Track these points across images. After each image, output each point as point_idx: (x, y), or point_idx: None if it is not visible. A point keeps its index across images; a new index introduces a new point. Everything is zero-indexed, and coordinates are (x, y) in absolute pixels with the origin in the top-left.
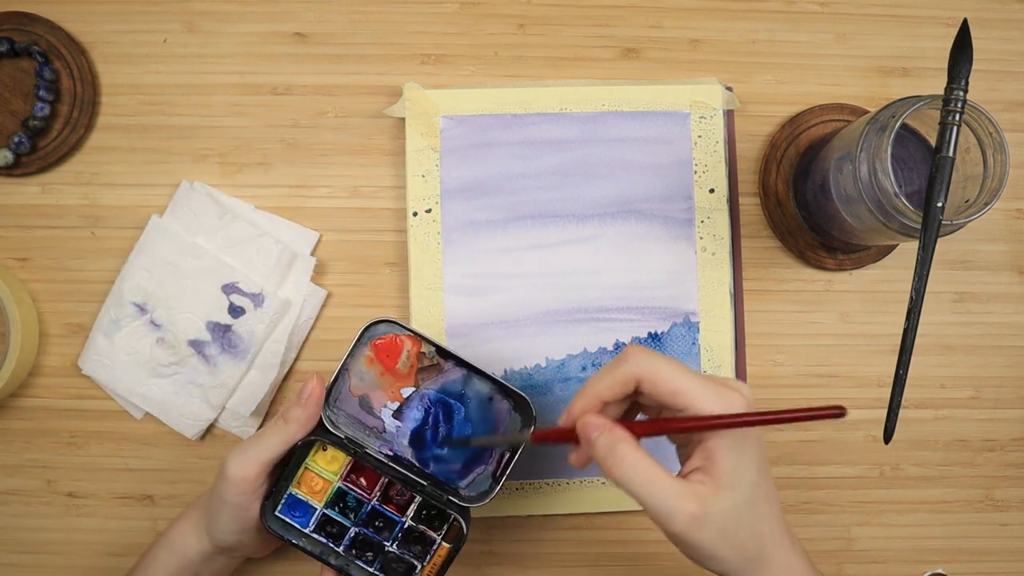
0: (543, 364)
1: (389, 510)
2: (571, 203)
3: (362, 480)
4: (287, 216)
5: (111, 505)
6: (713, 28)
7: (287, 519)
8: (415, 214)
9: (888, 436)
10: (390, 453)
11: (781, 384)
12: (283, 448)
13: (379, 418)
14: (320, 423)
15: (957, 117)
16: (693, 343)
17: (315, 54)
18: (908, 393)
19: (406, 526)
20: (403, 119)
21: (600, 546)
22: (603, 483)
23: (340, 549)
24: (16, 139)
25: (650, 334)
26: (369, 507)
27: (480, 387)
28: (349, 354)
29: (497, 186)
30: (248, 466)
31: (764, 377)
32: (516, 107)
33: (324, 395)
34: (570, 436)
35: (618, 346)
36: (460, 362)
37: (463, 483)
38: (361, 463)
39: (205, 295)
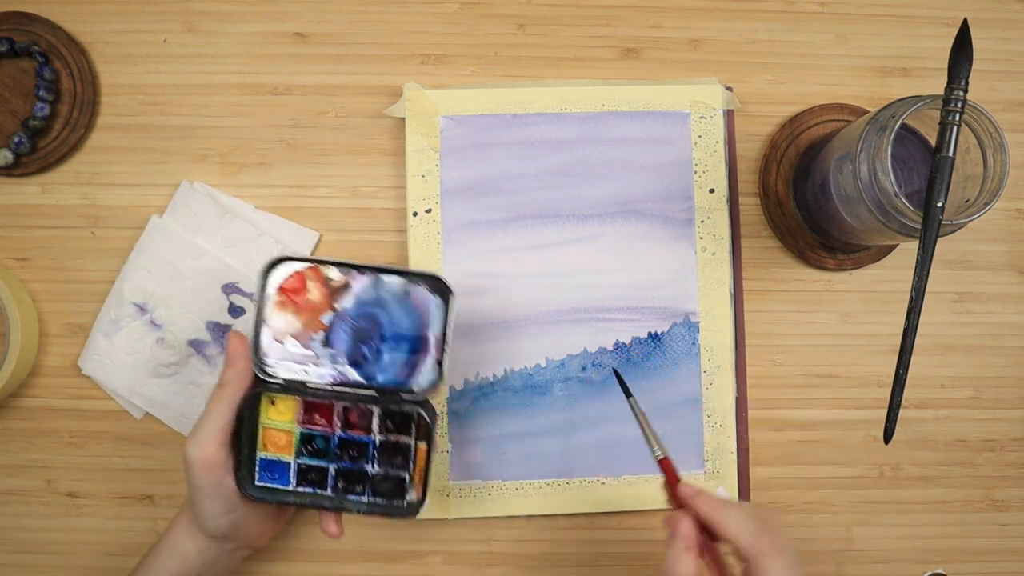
0: (543, 364)
1: (356, 434)
2: (571, 203)
3: (318, 417)
4: (287, 216)
5: (111, 505)
6: (713, 28)
7: (267, 484)
8: (415, 214)
9: (888, 436)
10: (334, 380)
11: (781, 384)
12: (230, 412)
13: (311, 351)
14: (258, 379)
15: (957, 117)
16: (693, 343)
17: (315, 54)
18: (908, 393)
19: (378, 443)
20: (403, 119)
21: (600, 546)
22: (603, 483)
23: (328, 492)
24: (16, 139)
25: (650, 334)
26: (336, 439)
27: (392, 285)
28: (259, 304)
29: (497, 186)
30: (205, 444)
31: (764, 377)
32: (516, 107)
33: (248, 348)
34: (677, 503)
35: (618, 346)
36: (363, 268)
37: (412, 383)
38: (312, 401)
39: (205, 295)
